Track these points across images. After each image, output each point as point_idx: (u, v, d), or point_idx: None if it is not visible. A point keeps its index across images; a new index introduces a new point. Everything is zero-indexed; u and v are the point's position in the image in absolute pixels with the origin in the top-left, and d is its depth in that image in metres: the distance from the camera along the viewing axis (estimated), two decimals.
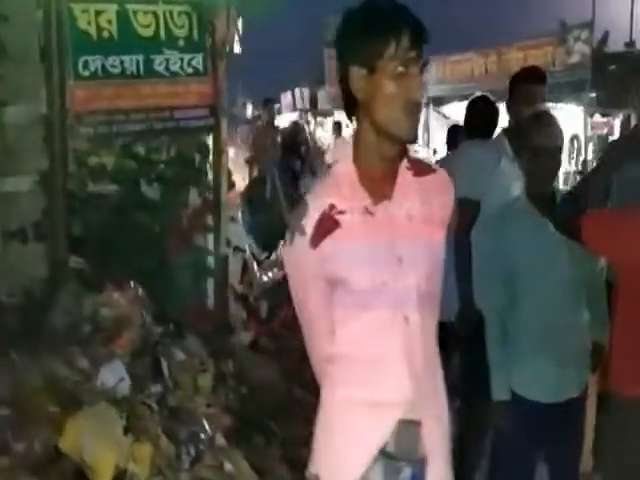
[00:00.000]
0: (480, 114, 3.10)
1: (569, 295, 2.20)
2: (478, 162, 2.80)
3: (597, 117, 11.88)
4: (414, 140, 1.38)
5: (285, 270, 1.47)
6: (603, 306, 2.27)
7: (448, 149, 4.71)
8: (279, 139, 6.04)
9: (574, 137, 11.48)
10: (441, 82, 13.17)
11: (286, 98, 17.15)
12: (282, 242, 1.50)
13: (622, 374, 1.90)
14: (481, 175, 2.71)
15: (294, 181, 5.30)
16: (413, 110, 1.30)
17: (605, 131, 11.95)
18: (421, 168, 1.41)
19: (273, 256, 4.90)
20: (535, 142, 2.16)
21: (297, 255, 1.37)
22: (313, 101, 15.48)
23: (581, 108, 11.30)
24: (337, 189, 1.35)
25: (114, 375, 2.46)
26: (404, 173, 1.38)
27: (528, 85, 2.85)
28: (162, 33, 2.99)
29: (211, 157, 3.18)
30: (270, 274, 4.74)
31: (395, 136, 1.31)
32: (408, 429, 1.36)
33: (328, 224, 1.32)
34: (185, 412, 2.63)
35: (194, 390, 2.77)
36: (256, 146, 6.74)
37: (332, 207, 1.33)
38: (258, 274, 4.63)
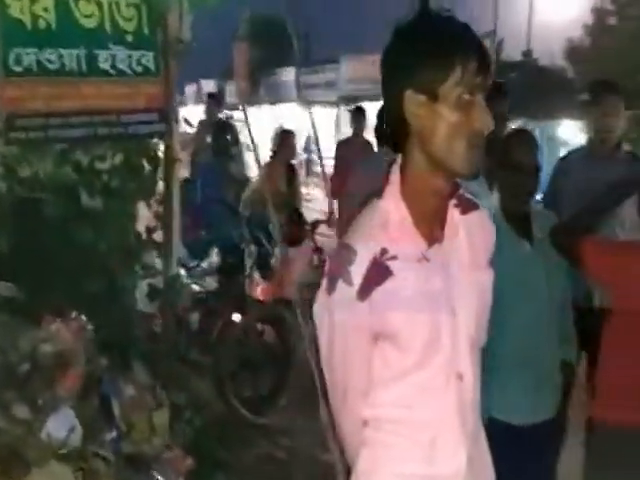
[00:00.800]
0: None
1: (545, 316, 2.17)
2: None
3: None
4: (476, 176, 1.22)
5: (317, 322, 1.25)
6: (570, 325, 2.27)
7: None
8: (208, 138, 5.73)
9: None
10: (354, 82, 13.23)
11: (190, 90, 16.58)
12: (319, 292, 1.27)
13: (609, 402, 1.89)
14: None
15: (229, 184, 5.02)
16: (477, 142, 1.14)
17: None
18: (466, 205, 1.27)
19: (205, 264, 4.61)
20: (515, 159, 2.11)
21: (340, 307, 1.17)
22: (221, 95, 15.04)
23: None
24: (386, 231, 1.17)
25: (63, 424, 2.13)
26: (452, 211, 1.23)
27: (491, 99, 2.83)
28: (107, 25, 2.63)
29: (161, 167, 2.86)
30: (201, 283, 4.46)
31: (454, 171, 1.16)
32: None
33: (379, 272, 1.15)
34: (143, 459, 2.34)
35: (150, 431, 2.47)
36: (195, 146, 6.37)
37: (384, 252, 1.15)
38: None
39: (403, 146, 1.19)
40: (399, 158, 1.22)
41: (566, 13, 12.50)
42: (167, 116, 2.80)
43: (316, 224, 4.70)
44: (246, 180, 5.83)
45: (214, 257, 4.50)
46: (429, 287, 1.18)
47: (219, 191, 4.87)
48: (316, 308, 1.23)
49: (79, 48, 2.56)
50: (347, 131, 13.67)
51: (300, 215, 4.98)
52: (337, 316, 1.18)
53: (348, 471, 2.34)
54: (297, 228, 4.54)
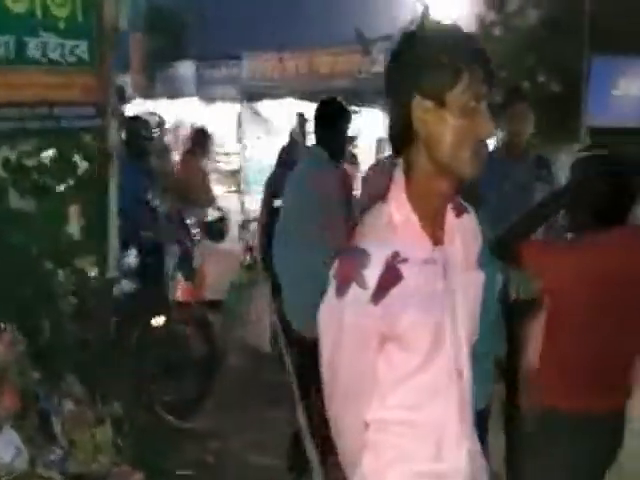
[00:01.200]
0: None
1: (483, 312, 2.29)
2: None
3: None
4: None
5: (322, 325, 1.24)
6: (500, 321, 2.39)
7: None
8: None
9: (379, 139, 12.33)
10: (255, 79, 13.11)
11: None
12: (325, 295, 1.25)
13: (554, 389, 2.01)
14: None
15: (146, 180, 4.80)
16: (481, 148, 1.20)
17: None
18: (460, 208, 1.32)
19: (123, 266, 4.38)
20: None
21: (353, 310, 1.17)
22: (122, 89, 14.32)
23: (383, 112, 12.19)
24: (395, 234, 1.19)
25: (7, 448, 1.95)
26: (450, 213, 1.28)
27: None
28: (38, 11, 2.41)
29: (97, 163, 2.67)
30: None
31: (459, 175, 1.20)
32: None
33: (392, 275, 1.16)
34: (92, 478, 2.19)
35: (94, 448, 2.32)
36: None
37: (395, 256, 1.16)
38: None
39: (408, 150, 1.20)
40: (401, 162, 1.23)
41: (456, 20, 13.13)
42: (104, 110, 2.62)
43: (246, 223, 4.63)
44: (170, 175, 5.62)
45: (132, 258, 4.30)
46: (434, 288, 1.21)
47: (136, 188, 4.68)
48: (323, 311, 1.22)
49: (6, 35, 2.33)
50: (250, 128, 13.60)
51: (220, 209, 4.88)
52: (348, 319, 1.17)
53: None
54: (219, 224, 4.44)
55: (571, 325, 1.97)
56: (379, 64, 12.01)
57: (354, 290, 1.15)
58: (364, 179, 3.45)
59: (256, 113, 13.39)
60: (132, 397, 3.42)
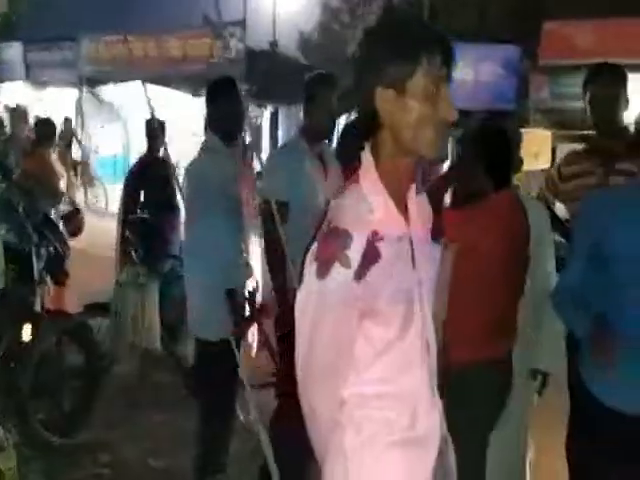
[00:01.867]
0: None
1: None
2: (283, 164, 2.82)
3: (252, 108, 12.84)
4: (445, 159, 1.28)
5: (301, 306, 1.24)
6: None
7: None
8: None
9: None
10: (95, 62, 12.24)
11: None
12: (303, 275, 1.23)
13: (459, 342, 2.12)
14: (287, 177, 2.74)
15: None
16: (444, 130, 1.24)
17: (259, 121, 13.06)
18: (418, 187, 1.36)
19: None
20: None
21: (336, 289, 1.18)
22: None
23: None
24: (372, 213, 1.22)
25: None
26: (412, 192, 1.32)
27: (325, 90, 2.88)
28: None
29: None
30: None
31: (424, 156, 1.25)
32: (441, 464, 1.32)
33: (372, 254, 1.19)
34: None
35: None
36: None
37: (375, 235, 1.20)
38: None
39: (375, 136, 1.25)
40: (367, 146, 1.27)
41: (304, 7, 13.33)
42: None
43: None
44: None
45: None
46: (406, 263, 1.25)
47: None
48: (302, 294, 1.23)
49: None
50: (92, 115, 12.67)
51: (72, 203, 4.50)
52: (331, 298, 1.19)
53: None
54: (74, 218, 4.03)
55: (472, 279, 2.10)
56: (232, 49, 11.83)
57: (337, 269, 1.17)
58: None
59: (98, 99, 12.56)
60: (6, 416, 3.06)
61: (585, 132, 3.47)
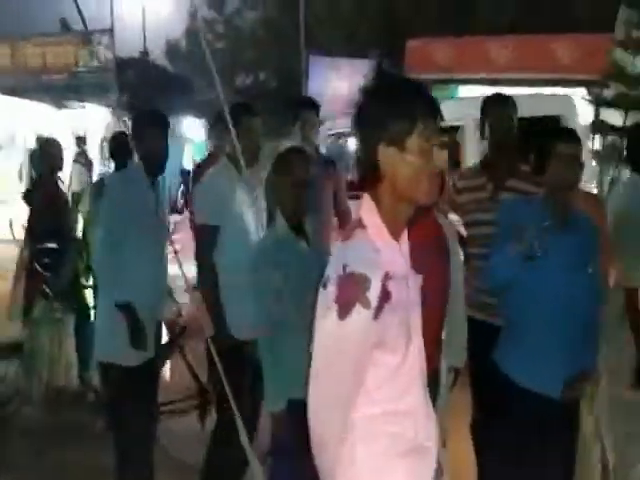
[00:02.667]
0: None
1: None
2: (216, 189, 2.88)
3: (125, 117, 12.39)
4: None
5: (323, 344, 1.37)
6: None
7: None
8: None
9: (103, 138, 11.57)
10: None
11: None
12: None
13: None
14: (218, 201, 2.82)
15: None
16: (435, 178, 1.43)
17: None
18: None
19: None
20: (294, 175, 2.43)
21: (357, 329, 1.33)
22: None
23: (108, 109, 11.54)
24: (379, 257, 1.37)
25: None
26: (404, 236, 1.49)
27: (250, 118, 2.97)
28: None
29: None
30: None
31: (419, 202, 1.43)
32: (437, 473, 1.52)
33: (385, 293, 1.34)
34: None
35: None
36: None
37: (386, 276, 1.35)
38: None
39: (375, 186, 1.41)
40: (367, 195, 1.43)
41: (173, 16, 13.06)
42: None
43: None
44: None
45: None
46: (407, 297, 1.42)
47: None
48: (325, 334, 1.35)
49: None
50: None
51: None
52: (353, 337, 1.32)
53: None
54: None
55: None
56: (100, 57, 11.30)
57: (358, 310, 1.29)
58: None
59: None
60: None
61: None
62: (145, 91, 12.17)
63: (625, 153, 3.20)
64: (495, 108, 2.92)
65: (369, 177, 1.40)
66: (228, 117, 2.82)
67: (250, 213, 2.88)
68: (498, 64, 7.85)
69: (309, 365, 1.44)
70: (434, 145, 1.39)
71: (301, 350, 2.42)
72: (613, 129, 5.99)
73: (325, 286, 1.34)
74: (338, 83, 10.48)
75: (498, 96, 3.00)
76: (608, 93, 6.44)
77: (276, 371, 2.39)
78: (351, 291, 1.30)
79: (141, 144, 2.73)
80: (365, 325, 1.31)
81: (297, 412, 2.28)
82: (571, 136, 2.31)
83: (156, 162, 2.74)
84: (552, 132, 2.47)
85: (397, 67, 9.95)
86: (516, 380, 2.25)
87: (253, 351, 2.81)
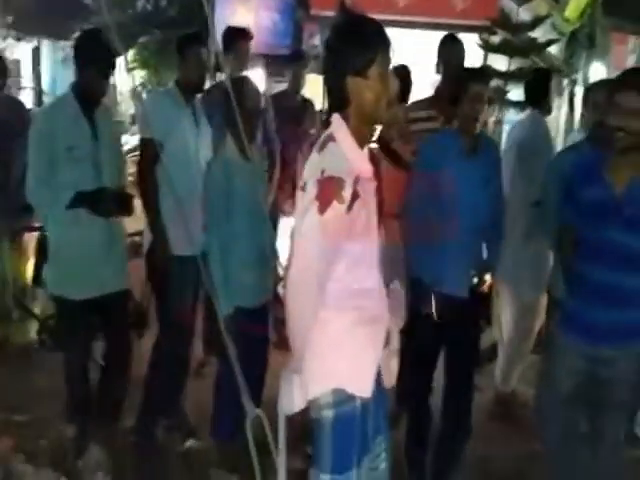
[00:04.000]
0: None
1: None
2: (163, 107, 3.07)
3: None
4: None
5: (306, 235, 1.71)
6: None
7: None
8: None
9: None
10: None
11: None
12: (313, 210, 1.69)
13: None
14: (164, 120, 3.00)
15: None
16: (391, 100, 1.87)
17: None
18: None
19: None
20: (245, 102, 2.74)
21: (334, 219, 1.67)
22: None
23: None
24: (351, 163, 1.73)
25: None
26: (366, 149, 1.87)
27: (196, 47, 3.17)
28: None
29: None
30: None
31: (379, 121, 1.86)
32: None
33: (356, 192, 1.72)
34: None
35: None
36: None
37: (357, 179, 1.72)
38: None
39: (344, 110, 1.76)
40: (337, 115, 1.77)
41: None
42: None
43: None
44: None
45: None
46: (371, 194, 1.81)
47: None
48: (307, 226, 1.69)
49: None
50: None
51: None
52: (332, 226, 1.68)
53: None
54: None
55: None
56: None
57: (334, 206, 1.64)
58: None
59: None
60: None
61: None
62: (36, 12, 11.40)
63: (525, 94, 3.79)
64: (448, 47, 3.41)
65: (337, 103, 1.75)
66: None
67: (193, 139, 3.16)
68: (397, 7, 8.24)
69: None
70: (388, 72, 1.75)
71: (248, 263, 2.83)
72: (497, 74, 6.49)
73: (304, 189, 1.69)
74: (244, 16, 10.44)
75: (451, 37, 3.50)
76: (495, 39, 7.08)
77: (226, 282, 2.74)
78: (329, 190, 1.65)
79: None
80: (340, 217, 1.66)
81: (244, 318, 2.73)
82: (480, 76, 2.81)
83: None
84: (465, 72, 2.98)
85: (302, 5, 10.05)
86: (428, 282, 2.71)
87: (196, 267, 3.13)
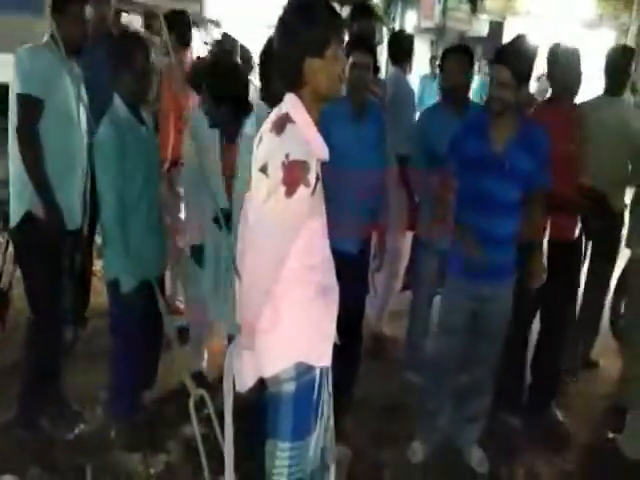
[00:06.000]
0: None
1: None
2: (42, 62, 2.74)
3: None
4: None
5: (272, 217, 1.71)
6: None
7: None
8: None
9: None
10: None
11: None
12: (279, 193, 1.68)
13: None
14: (46, 77, 2.71)
15: None
16: (342, 78, 1.84)
17: None
18: None
19: None
20: (132, 61, 2.57)
21: (300, 202, 1.70)
22: None
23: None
24: (311, 145, 1.74)
25: None
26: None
27: (75, 4, 2.81)
28: None
29: None
30: None
31: (333, 98, 1.83)
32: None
33: (317, 174, 1.75)
34: None
35: None
36: None
37: (318, 161, 1.75)
38: None
39: (299, 90, 1.75)
40: (292, 95, 1.76)
41: None
42: None
43: None
44: None
45: None
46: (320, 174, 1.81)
47: None
48: (275, 209, 1.69)
49: None
50: None
51: None
52: (298, 208, 1.70)
53: None
54: None
55: None
56: None
57: (301, 189, 1.66)
58: None
59: None
60: None
61: None
62: None
63: (388, 54, 4.01)
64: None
65: (292, 83, 1.74)
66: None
67: (73, 99, 2.83)
68: None
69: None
70: (341, 53, 1.77)
71: (149, 230, 2.70)
72: None
73: (265, 171, 1.68)
74: None
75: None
76: None
77: (127, 254, 2.59)
78: (296, 175, 1.65)
79: None
80: (307, 200, 1.69)
81: (145, 291, 2.60)
82: (364, 48, 2.91)
83: None
84: (349, 43, 3.03)
85: None
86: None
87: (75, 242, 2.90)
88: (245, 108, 2.71)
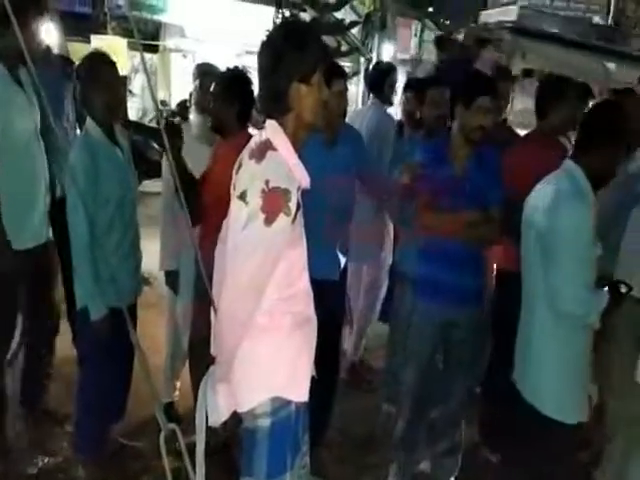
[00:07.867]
0: None
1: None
2: None
3: None
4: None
5: (251, 246, 1.64)
6: None
7: None
8: None
9: None
10: None
11: None
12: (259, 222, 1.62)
13: None
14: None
15: None
16: (326, 108, 1.83)
17: None
18: None
19: None
20: (100, 80, 2.55)
21: (282, 231, 1.64)
22: None
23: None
24: (292, 173, 1.70)
25: None
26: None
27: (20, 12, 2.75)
28: None
29: None
30: None
31: (316, 128, 1.80)
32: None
33: (299, 202, 1.70)
34: None
35: None
36: None
37: (299, 189, 1.71)
38: None
39: (282, 116, 1.72)
40: (274, 122, 1.72)
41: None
42: None
43: None
44: None
45: None
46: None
47: None
48: (254, 237, 1.63)
49: None
50: None
51: None
52: (279, 238, 1.64)
53: None
54: None
55: None
56: None
57: (281, 218, 1.61)
58: None
59: None
60: None
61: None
62: None
63: (367, 85, 4.00)
64: None
65: (277, 108, 1.70)
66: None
67: (29, 120, 2.76)
68: None
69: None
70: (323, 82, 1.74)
71: (122, 256, 2.62)
72: None
73: (243, 199, 1.63)
74: None
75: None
76: (305, 16, 7.29)
77: (95, 281, 2.50)
78: (276, 202, 1.60)
79: None
80: (287, 229, 1.63)
81: (116, 319, 2.51)
82: (339, 74, 2.90)
83: None
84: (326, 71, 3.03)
85: None
86: None
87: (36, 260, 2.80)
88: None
